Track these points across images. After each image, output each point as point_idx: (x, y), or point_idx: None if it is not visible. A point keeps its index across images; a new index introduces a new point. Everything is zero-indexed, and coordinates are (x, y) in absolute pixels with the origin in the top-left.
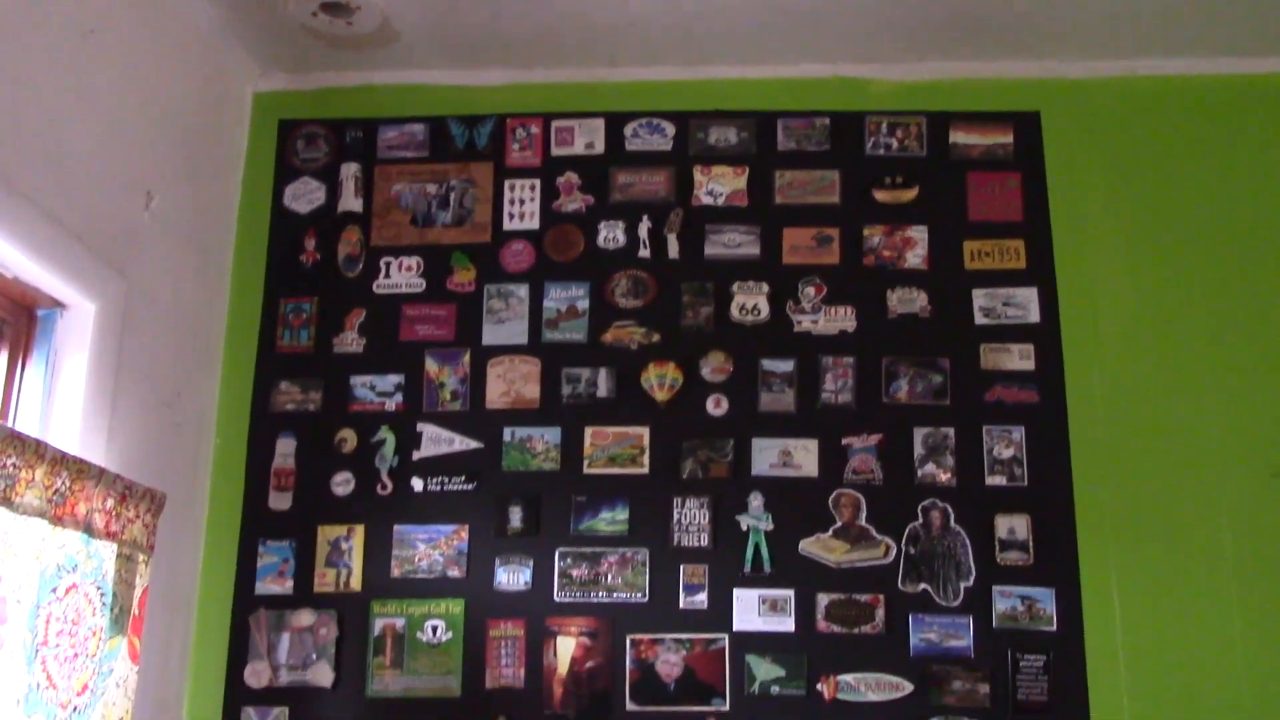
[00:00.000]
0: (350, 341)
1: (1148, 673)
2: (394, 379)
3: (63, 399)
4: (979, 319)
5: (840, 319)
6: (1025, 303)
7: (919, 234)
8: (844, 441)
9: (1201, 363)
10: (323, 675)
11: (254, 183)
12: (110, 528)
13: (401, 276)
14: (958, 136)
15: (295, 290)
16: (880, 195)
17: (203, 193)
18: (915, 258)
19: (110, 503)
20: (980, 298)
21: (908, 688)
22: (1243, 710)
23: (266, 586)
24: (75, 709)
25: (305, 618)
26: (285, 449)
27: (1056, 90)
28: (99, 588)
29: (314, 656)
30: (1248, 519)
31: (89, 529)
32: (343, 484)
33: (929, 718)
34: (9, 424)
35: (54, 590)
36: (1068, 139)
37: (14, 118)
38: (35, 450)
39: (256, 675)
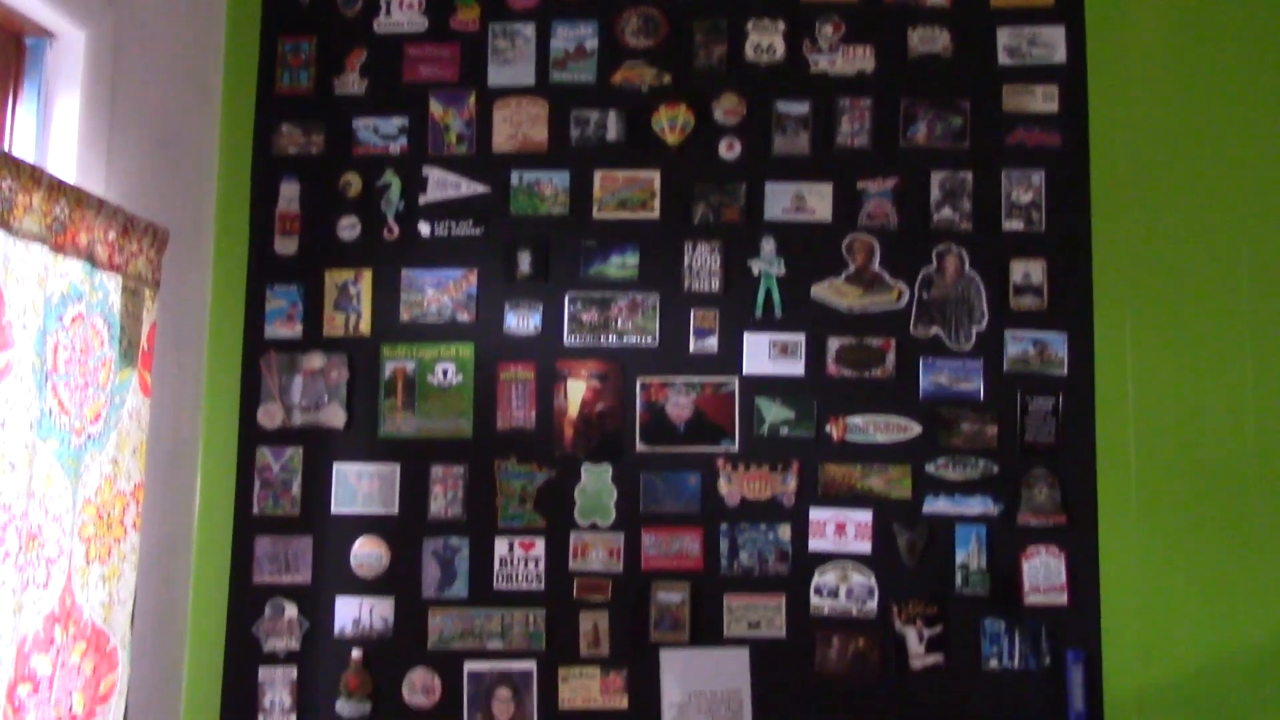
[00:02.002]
0: (351, 83)
1: (1156, 418)
2: (398, 121)
3: (58, 132)
4: (1002, 59)
5: (858, 59)
6: (1051, 42)
7: None
8: (859, 185)
9: (1230, 107)
10: (335, 416)
11: None
12: (113, 260)
13: (403, 14)
14: None
15: (293, 29)
16: None
17: None
18: None
19: (112, 235)
20: (1005, 36)
21: (916, 429)
22: (1248, 457)
23: (276, 330)
24: (89, 436)
25: (316, 360)
26: (289, 193)
27: None
28: (106, 320)
29: (326, 398)
30: (1267, 268)
31: (91, 259)
32: (349, 228)
33: (936, 458)
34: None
35: (60, 319)
36: None
37: None
38: (31, 175)
39: (270, 416)
